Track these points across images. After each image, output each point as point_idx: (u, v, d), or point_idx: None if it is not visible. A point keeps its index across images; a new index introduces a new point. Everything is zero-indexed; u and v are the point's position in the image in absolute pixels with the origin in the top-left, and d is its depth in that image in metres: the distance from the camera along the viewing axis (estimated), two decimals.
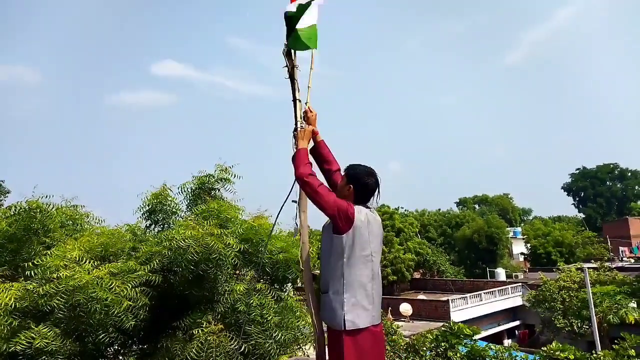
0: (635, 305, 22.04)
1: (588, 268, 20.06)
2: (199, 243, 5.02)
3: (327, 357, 2.72)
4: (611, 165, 71.80)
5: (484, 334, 21.37)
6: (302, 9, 3.15)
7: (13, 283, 4.70)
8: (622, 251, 44.75)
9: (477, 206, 68.61)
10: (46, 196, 5.66)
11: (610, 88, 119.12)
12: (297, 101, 3.15)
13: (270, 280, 6.08)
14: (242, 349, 5.01)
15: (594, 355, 7.60)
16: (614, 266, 30.18)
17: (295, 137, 2.96)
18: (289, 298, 6.05)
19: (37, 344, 4.25)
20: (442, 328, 9.29)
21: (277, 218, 3.29)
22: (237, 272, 5.80)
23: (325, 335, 2.73)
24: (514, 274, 40.17)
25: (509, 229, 49.12)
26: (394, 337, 11.76)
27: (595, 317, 16.57)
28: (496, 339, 26.09)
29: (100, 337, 4.74)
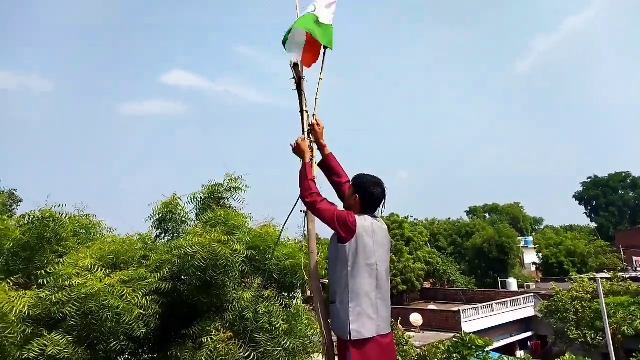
0: None
1: (601, 278, 19.70)
2: (206, 249, 5.07)
3: None
4: (623, 174, 70.90)
5: (496, 345, 21.10)
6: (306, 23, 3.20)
7: (26, 291, 4.77)
8: (635, 261, 43.98)
9: (487, 215, 68.04)
10: (59, 205, 5.75)
11: (622, 96, 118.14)
12: (305, 112, 3.19)
13: (278, 287, 6.10)
14: (251, 357, 5.02)
15: None
16: (627, 276, 29.72)
17: (296, 151, 3.01)
18: (297, 305, 6.07)
19: (49, 351, 4.30)
20: (454, 339, 9.22)
21: (284, 226, 3.32)
22: (246, 279, 5.83)
23: (335, 345, 2.75)
24: (525, 284, 39.73)
25: (520, 238, 48.62)
26: (405, 347, 11.69)
27: (609, 329, 16.27)
28: (508, 350, 25.77)
29: (112, 345, 4.78)
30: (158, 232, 6.52)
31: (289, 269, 5.93)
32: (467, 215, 69.75)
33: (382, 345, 2.60)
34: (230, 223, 5.84)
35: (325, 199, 2.74)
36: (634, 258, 44.17)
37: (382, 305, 2.64)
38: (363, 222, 2.64)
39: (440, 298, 36.79)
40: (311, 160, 3.02)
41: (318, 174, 3.06)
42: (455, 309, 27.10)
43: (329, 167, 3.09)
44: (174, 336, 5.61)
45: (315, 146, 3.12)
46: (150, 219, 6.38)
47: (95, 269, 4.82)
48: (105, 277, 4.71)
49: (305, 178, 2.82)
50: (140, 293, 4.75)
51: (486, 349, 9.11)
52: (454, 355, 8.84)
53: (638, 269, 41.28)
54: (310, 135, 3.12)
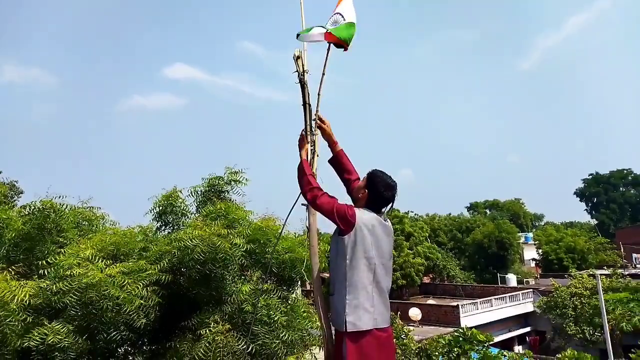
0: None
1: (600, 275, 19.76)
2: (206, 243, 5.10)
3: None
4: (625, 171, 70.82)
5: (494, 340, 21.14)
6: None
7: (27, 281, 4.80)
8: (635, 258, 43.95)
9: (488, 211, 68.00)
10: (60, 196, 5.77)
11: (624, 93, 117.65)
12: (307, 105, 3.20)
13: (277, 280, 6.13)
14: (249, 349, 5.06)
15: None
16: (627, 273, 29.74)
17: (300, 144, 3.04)
18: (295, 299, 6.10)
19: (49, 340, 4.34)
20: (455, 333, 9.25)
21: (286, 220, 3.34)
22: (245, 272, 5.86)
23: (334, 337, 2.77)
24: (525, 279, 39.78)
25: (520, 234, 48.60)
26: (404, 340, 11.74)
27: (607, 325, 16.32)
28: (506, 345, 25.84)
29: (112, 334, 4.82)
30: (158, 224, 6.55)
31: (288, 263, 5.96)
32: (467, 211, 69.80)
33: (379, 338, 2.61)
34: (230, 216, 5.87)
35: (325, 192, 2.76)
36: (634, 255, 44.16)
37: (379, 299, 2.65)
38: (362, 215, 2.66)
39: (439, 293, 36.89)
40: (313, 153, 3.05)
41: (328, 169, 3.08)
42: (454, 303, 27.16)
43: (340, 163, 3.11)
44: (173, 328, 5.64)
45: (317, 140, 3.14)
46: (151, 212, 6.41)
47: (96, 260, 4.84)
48: (106, 268, 4.74)
49: (303, 173, 2.85)
50: (140, 284, 4.78)
51: (486, 344, 9.14)
52: (455, 349, 8.87)
53: (638, 265, 41.30)
54: (316, 131, 3.13)
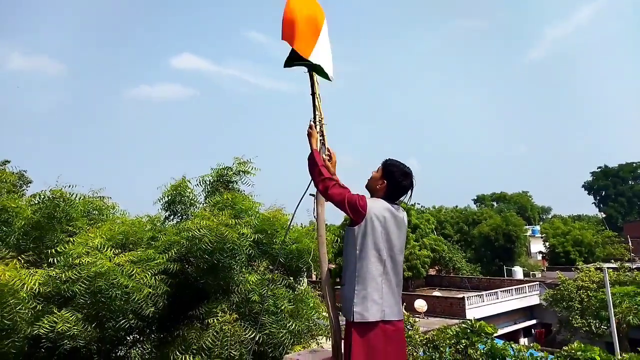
0: None
1: (608, 268, 19.60)
2: (214, 233, 5.11)
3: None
4: (634, 164, 70.11)
5: (500, 332, 21.18)
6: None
7: (37, 269, 4.85)
8: None
9: (495, 204, 67.70)
10: (69, 186, 5.81)
11: (634, 85, 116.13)
12: (316, 95, 3.17)
13: (284, 270, 6.15)
14: (256, 339, 5.09)
15: (620, 357, 7.47)
16: (634, 266, 29.56)
17: (309, 134, 3.02)
18: (302, 289, 6.11)
19: (59, 327, 4.39)
20: (463, 325, 9.22)
21: (295, 211, 3.33)
22: (252, 263, 5.87)
23: (343, 327, 2.78)
24: (531, 272, 39.64)
25: (527, 227, 48.40)
26: (410, 332, 11.75)
27: (614, 318, 16.26)
28: (512, 337, 25.84)
29: (121, 322, 4.86)
30: (167, 213, 6.57)
31: (295, 253, 5.97)
32: (474, 203, 69.50)
33: (386, 331, 2.58)
34: (238, 207, 5.87)
35: (337, 182, 2.75)
36: None
37: (389, 291, 2.62)
38: (374, 204, 2.65)
39: (445, 285, 36.89)
40: (323, 144, 3.03)
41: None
42: (460, 295, 27.15)
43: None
44: (181, 316, 5.68)
45: (325, 130, 3.12)
46: (160, 201, 6.43)
47: (105, 249, 4.88)
48: (114, 257, 4.77)
49: (315, 164, 2.82)
50: (148, 273, 4.81)
51: (493, 336, 9.11)
52: (463, 341, 8.84)
53: None
54: (324, 120, 3.12)
